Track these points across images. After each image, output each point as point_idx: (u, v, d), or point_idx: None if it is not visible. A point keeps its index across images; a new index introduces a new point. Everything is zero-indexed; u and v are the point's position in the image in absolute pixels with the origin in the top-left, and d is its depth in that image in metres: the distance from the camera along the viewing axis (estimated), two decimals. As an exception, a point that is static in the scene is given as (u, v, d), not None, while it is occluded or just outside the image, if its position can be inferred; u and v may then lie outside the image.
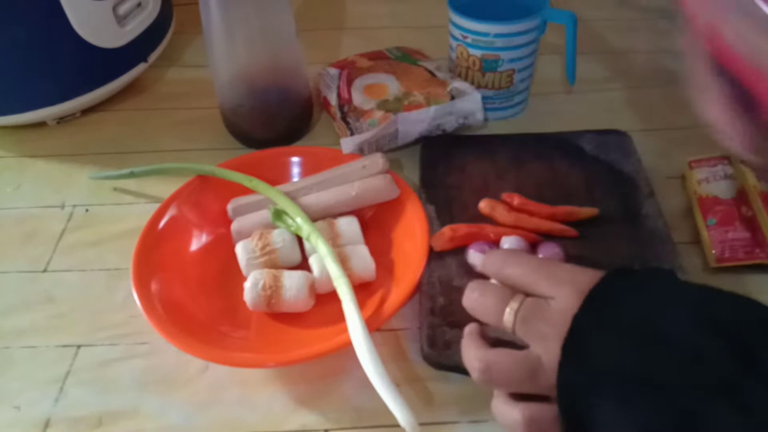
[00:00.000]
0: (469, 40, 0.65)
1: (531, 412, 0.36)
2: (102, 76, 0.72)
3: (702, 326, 0.32)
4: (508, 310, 0.38)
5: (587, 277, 0.36)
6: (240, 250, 0.53)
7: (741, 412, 0.29)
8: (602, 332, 0.34)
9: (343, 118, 0.66)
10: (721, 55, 0.33)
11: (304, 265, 0.53)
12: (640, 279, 0.37)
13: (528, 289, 0.39)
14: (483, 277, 0.51)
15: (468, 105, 0.65)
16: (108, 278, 0.56)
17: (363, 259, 0.52)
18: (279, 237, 0.53)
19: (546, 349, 0.35)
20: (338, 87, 0.69)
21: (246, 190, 0.58)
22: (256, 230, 0.54)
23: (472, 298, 0.40)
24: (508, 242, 0.51)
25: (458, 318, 0.49)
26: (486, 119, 0.69)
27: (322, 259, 0.49)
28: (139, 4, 0.73)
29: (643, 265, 0.51)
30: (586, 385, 0.33)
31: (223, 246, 0.56)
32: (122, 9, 0.70)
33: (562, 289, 0.36)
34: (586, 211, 0.55)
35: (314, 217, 0.55)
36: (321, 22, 0.89)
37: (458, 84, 0.66)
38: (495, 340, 0.40)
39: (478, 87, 0.68)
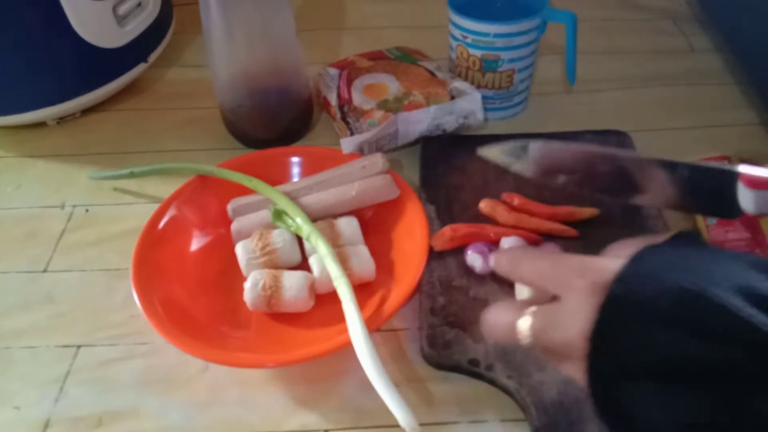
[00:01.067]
0: (469, 40, 0.65)
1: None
2: (102, 76, 0.72)
3: (746, 300, 0.30)
4: (521, 326, 0.36)
5: (603, 265, 0.34)
6: (240, 250, 0.53)
7: None
8: (630, 321, 0.32)
9: (343, 118, 0.66)
10: None
11: (304, 265, 0.53)
12: (667, 253, 0.34)
13: (542, 290, 0.37)
14: (483, 278, 0.51)
15: (468, 105, 0.65)
16: (108, 278, 0.56)
17: (363, 260, 0.52)
18: (279, 237, 0.53)
19: (571, 363, 0.34)
20: (338, 87, 0.69)
21: (246, 190, 0.58)
22: (256, 230, 0.54)
23: (488, 323, 0.39)
24: (507, 243, 0.51)
25: (458, 318, 0.49)
26: (486, 119, 0.69)
27: (322, 259, 0.49)
28: (139, 4, 0.73)
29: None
30: (619, 376, 0.32)
31: (223, 246, 0.56)
32: (122, 9, 0.70)
33: (575, 284, 0.34)
34: (587, 212, 0.55)
35: (314, 218, 0.55)
36: (321, 22, 0.89)
37: (458, 84, 0.66)
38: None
39: (478, 87, 0.68)
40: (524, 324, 0.36)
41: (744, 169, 0.37)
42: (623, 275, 0.32)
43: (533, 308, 0.36)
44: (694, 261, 0.33)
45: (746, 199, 0.36)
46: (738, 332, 0.29)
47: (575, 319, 0.33)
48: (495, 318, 0.38)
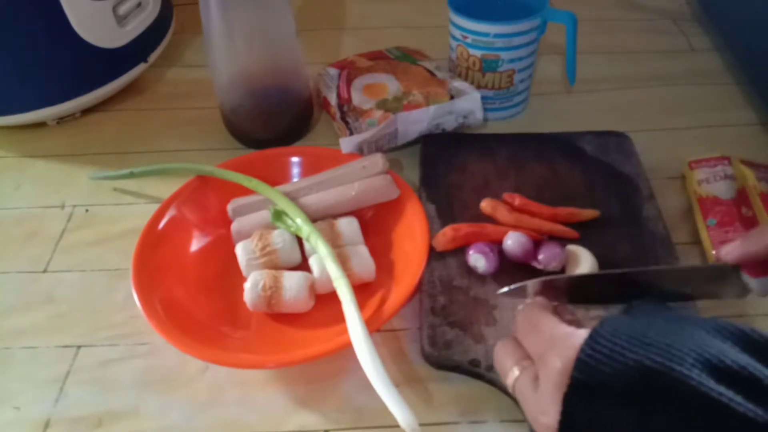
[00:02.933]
0: (469, 40, 0.65)
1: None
2: (102, 76, 0.72)
3: (713, 375, 0.29)
4: (510, 376, 0.38)
5: (571, 338, 0.34)
6: (240, 250, 0.53)
7: None
8: (595, 407, 0.32)
9: (343, 118, 0.66)
10: None
11: (304, 265, 0.53)
12: (628, 324, 0.33)
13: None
14: (483, 278, 0.51)
15: (467, 104, 0.65)
16: (108, 278, 0.56)
17: (363, 260, 0.52)
18: (279, 237, 0.53)
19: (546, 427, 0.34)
20: (338, 87, 0.69)
21: (246, 191, 0.58)
22: (256, 231, 0.54)
23: (497, 348, 0.41)
24: (511, 238, 0.51)
25: (459, 318, 0.49)
26: (485, 119, 0.69)
27: (322, 259, 0.49)
28: (139, 4, 0.73)
29: (644, 265, 0.51)
30: None
31: (223, 246, 0.56)
32: (122, 9, 0.70)
33: (549, 362, 0.34)
34: (587, 213, 0.55)
35: (314, 218, 0.55)
36: (321, 22, 0.89)
37: (458, 83, 0.66)
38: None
39: (478, 87, 0.68)
40: (512, 375, 0.37)
41: (729, 253, 0.40)
42: (584, 356, 0.32)
43: (526, 363, 0.37)
44: (656, 332, 0.32)
45: (752, 284, 0.39)
46: (709, 416, 0.28)
47: (546, 404, 0.34)
48: (499, 355, 0.40)
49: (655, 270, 0.44)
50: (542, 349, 0.36)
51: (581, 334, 0.33)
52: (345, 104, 0.67)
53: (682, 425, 0.29)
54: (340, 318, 0.46)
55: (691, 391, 0.29)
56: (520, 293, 0.44)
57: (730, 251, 0.39)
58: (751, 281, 0.39)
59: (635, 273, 0.43)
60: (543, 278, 0.43)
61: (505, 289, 0.45)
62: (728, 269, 0.40)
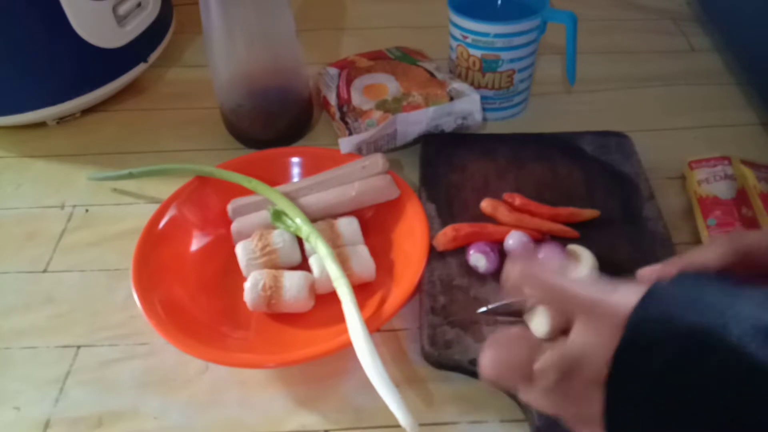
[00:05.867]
0: (469, 40, 0.65)
1: None
2: (102, 76, 0.72)
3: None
4: (523, 391, 0.33)
5: (616, 301, 0.30)
6: (240, 250, 0.53)
7: None
8: (643, 371, 0.29)
9: (342, 118, 0.66)
10: None
11: (304, 265, 0.53)
12: (679, 290, 0.31)
13: (553, 312, 0.34)
14: (484, 277, 0.51)
15: (466, 106, 0.65)
16: (108, 278, 0.56)
17: (363, 260, 0.52)
18: (279, 237, 0.53)
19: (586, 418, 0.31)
20: (338, 87, 0.69)
21: (246, 191, 0.58)
22: (256, 231, 0.54)
23: (489, 357, 0.34)
24: (513, 237, 0.51)
25: (459, 317, 0.49)
26: (485, 119, 0.69)
27: (322, 259, 0.49)
28: (139, 4, 0.73)
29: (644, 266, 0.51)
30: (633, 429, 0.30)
31: (223, 246, 0.56)
32: (122, 9, 0.70)
33: (589, 323, 0.31)
34: (588, 213, 0.55)
35: (314, 218, 0.54)
36: (321, 22, 0.89)
37: (457, 85, 0.66)
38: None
39: (478, 87, 0.68)
40: (525, 391, 0.33)
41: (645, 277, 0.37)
42: (635, 320, 0.30)
43: (548, 345, 0.33)
44: (709, 299, 0.30)
45: None
46: (756, 380, 0.27)
47: (591, 367, 0.30)
48: (505, 352, 0.34)
49: None
50: (581, 311, 0.31)
51: (629, 299, 0.30)
52: (345, 104, 0.67)
53: (726, 395, 0.28)
54: (340, 318, 0.46)
55: (741, 356, 0.27)
56: (502, 311, 0.45)
57: (648, 275, 0.37)
58: None
59: None
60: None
61: (484, 309, 0.46)
62: None
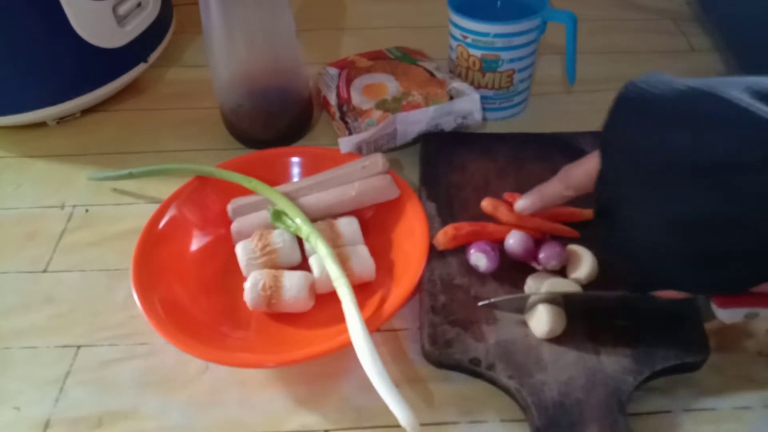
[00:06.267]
0: (469, 40, 0.65)
1: None
2: (102, 76, 0.72)
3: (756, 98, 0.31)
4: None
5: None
6: (240, 250, 0.53)
7: None
8: (638, 117, 0.35)
9: (342, 118, 0.66)
10: None
11: (304, 265, 0.53)
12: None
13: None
14: (484, 276, 0.51)
15: (466, 105, 0.65)
16: (108, 278, 0.56)
17: (363, 260, 0.52)
18: (279, 237, 0.53)
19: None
20: (338, 87, 0.69)
21: (246, 191, 0.58)
22: (256, 230, 0.54)
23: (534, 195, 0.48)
24: (513, 237, 0.51)
25: (459, 316, 0.49)
26: (485, 119, 0.69)
27: (322, 259, 0.49)
28: (139, 4, 0.73)
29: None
30: (624, 177, 0.35)
31: (223, 246, 0.56)
32: (122, 9, 0.70)
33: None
34: (588, 213, 0.55)
35: (314, 218, 0.54)
36: (321, 22, 0.89)
37: (457, 84, 0.66)
38: None
39: (478, 87, 0.68)
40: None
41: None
42: (634, 81, 0.35)
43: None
44: (704, 80, 0.34)
45: (719, 314, 0.43)
46: (740, 121, 0.30)
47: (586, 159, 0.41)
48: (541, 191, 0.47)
49: (624, 296, 0.47)
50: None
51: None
52: (345, 104, 0.67)
53: (713, 137, 0.31)
54: (340, 318, 0.46)
55: (730, 104, 0.31)
56: (502, 305, 0.48)
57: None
58: (719, 311, 0.42)
59: (609, 296, 0.47)
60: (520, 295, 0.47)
61: (485, 302, 0.48)
62: (701, 299, 0.44)
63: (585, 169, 0.44)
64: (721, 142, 0.31)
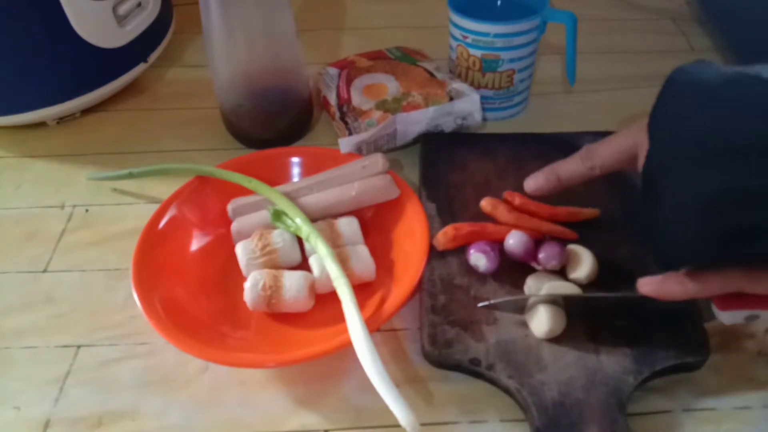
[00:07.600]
0: (469, 40, 0.65)
1: None
2: (102, 76, 0.72)
3: None
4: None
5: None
6: (240, 250, 0.53)
7: None
8: (685, 100, 0.37)
9: (342, 118, 0.66)
10: None
11: (304, 265, 0.53)
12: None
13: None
14: (484, 277, 0.51)
15: (466, 106, 0.65)
16: (108, 278, 0.56)
17: (363, 260, 0.52)
18: (279, 237, 0.53)
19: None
20: (338, 87, 0.69)
21: (246, 191, 0.58)
22: (256, 230, 0.54)
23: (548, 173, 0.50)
24: (513, 237, 0.51)
25: (459, 317, 0.49)
26: (485, 119, 0.69)
27: (322, 259, 0.49)
28: (139, 4, 0.73)
29: (644, 265, 0.51)
30: (672, 157, 0.37)
31: (223, 246, 0.56)
32: (122, 9, 0.70)
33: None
34: (588, 212, 0.55)
35: (314, 218, 0.55)
36: (321, 22, 0.89)
37: (457, 85, 0.66)
38: None
39: (478, 87, 0.68)
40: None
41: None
42: (682, 67, 0.38)
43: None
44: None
45: (720, 316, 0.43)
46: None
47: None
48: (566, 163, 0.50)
49: (624, 296, 0.47)
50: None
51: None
52: (345, 104, 0.67)
53: (757, 120, 0.34)
54: (340, 318, 0.46)
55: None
56: (503, 306, 0.48)
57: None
58: (719, 313, 0.43)
59: (608, 298, 0.47)
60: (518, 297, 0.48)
61: (485, 303, 0.48)
62: (701, 300, 0.44)
63: (615, 148, 0.46)
64: (766, 123, 0.34)
